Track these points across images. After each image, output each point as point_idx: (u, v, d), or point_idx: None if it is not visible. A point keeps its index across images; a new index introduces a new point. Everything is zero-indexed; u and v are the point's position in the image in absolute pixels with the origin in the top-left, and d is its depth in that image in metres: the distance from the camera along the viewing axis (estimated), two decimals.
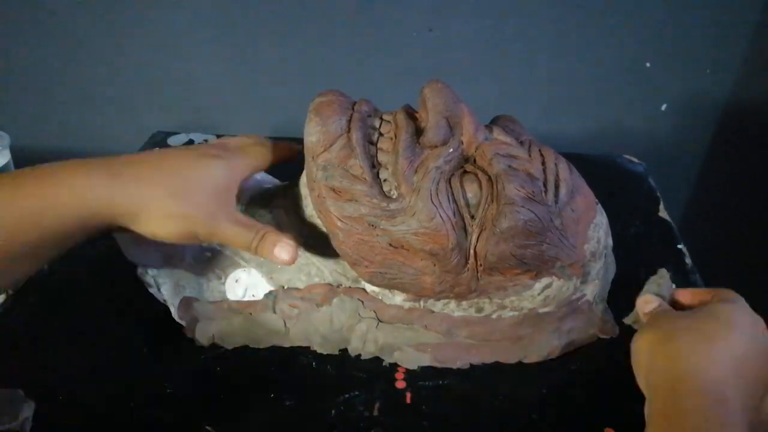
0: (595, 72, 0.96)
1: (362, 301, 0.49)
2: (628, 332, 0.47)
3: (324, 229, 0.47)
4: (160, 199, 0.40)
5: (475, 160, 0.46)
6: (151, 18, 0.93)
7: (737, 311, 0.42)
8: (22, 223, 0.37)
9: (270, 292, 0.50)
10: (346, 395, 0.47)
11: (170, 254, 0.50)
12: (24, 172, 0.39)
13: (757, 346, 0.40)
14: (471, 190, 0.44)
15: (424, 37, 0.93)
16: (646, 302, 0.47)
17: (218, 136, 0.80)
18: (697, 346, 0.39)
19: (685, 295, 0.47)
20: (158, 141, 0.79)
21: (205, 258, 0.50)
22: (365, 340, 0.49)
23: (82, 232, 0.40)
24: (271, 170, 0.50)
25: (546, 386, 0.49)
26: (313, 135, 0.44)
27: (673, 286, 0.50)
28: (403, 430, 0.45)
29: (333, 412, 0.46)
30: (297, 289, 0.49)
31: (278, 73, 0.98)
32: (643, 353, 0.42)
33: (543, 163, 0.46)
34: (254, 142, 0.48)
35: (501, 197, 0.43)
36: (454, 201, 0.44)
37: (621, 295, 0.53)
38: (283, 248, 0.44)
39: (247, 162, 0.46)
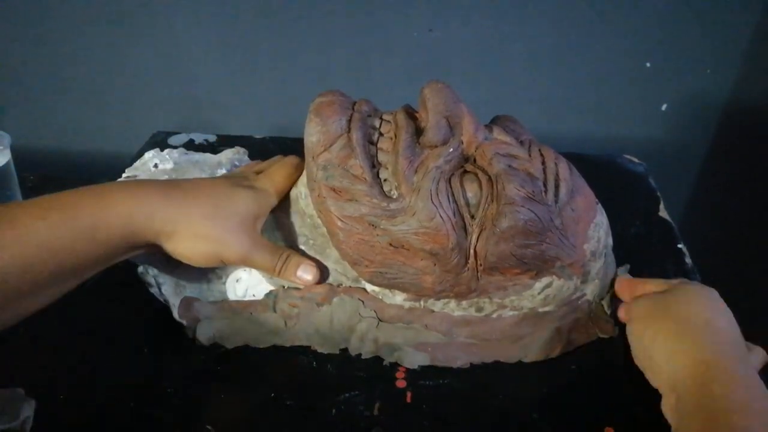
0: (595, 72, 0.96)
1: (362, 301, 0.49)
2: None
3: (324, 229, 0.47)
4: (194, 220, 0.44)
5: (475, 160, 0.46)
6: (151, 18, 0.93)
7: (700, 289, 0.46)
8: (78, 239, 0.40)
9: (270, 292, 0.50)
10: (347, 395, 0.47)
11: None
12: (81, 191, 0.41)
13: (730, 313, 0.44)
14: (471, 190, 0.44)
15: (424, 37, 0.93)
16: (625, 283, 0.51)
17: (218, 136, 0.80)
18: (707, 336, 0.42)
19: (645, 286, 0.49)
20: (158, 141, 0.79)
21: None
22: (365, 340, 0.49)
23: (127, 247, 0.43)
24: None
25: (546, 386, 0.49)
26: (313, 135, 0.44)
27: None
28: (404, 429, 0.45)
29: (333, 411, 0.46)
30: (297, 288, 0.49)
31: (278, 73, 0.98)
32: (653, 347, 0.43)
33: (543, 163, 0.46)
34: (282, 165, 0.50)
35: (501, 197, 0.43)
36: (454, 201, 0.44)
37: None
38: (306, 269, 0.48)
39: (274, 190, 0.49)
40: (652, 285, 0.48)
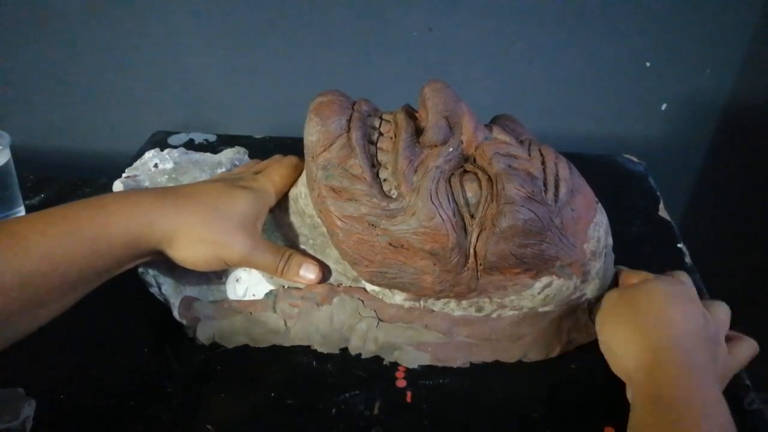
0: (595, 72, 0.96)
1: (362, 301, 0.49)
2: None
3: (324, 229, 0.47)
4: (194, 225, 0.44)
5: (475, 160, 0.46)
6: (152, 18, 0.93)
7: (663, 284, 0.46)
8: (80, 250, 0.40)
9: (270, 292, 0.50)
10: (347, 394, 0.47)
11: None
12: (80, 203, 0.42)
13: (695, 306, 0.45)
14: (471, 190, 0.44)
15: (424, 37, 0.93)
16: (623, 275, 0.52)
17: (218, 136, 0.80)
18: (659, 328, 0.43)
19: (629, 278, 0.51)
20: (158, 141, 0.79)
21: None
22: (365, 339, 0.49)
23: (129, 257, 0.43)
24: None
25: (546, 386, 0.49)
26: (313, 135, 0.44)
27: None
28: (404, 429, 0.45)
29: (333, 411, 0.46)
30: (297, 288, 0.49)
31: (278, 73, 0.98)
32: (612, 339, 0.45)
33: (543, 163, 0.46)
34: (280, 164, 0.50)
35: (501, 197, 0.43)
36: (454, 200, 0.44)
37: None
38: (308, 268, 0.48)
39: (273, 189, 0.49)
40: (634, 277, 0.50)
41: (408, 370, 0.49)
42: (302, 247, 0.50)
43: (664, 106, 1.00)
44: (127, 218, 0.42)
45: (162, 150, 0.54)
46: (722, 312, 0.47)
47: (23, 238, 0.38)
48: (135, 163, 0.54)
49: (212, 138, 0.80)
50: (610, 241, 0.51)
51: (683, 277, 0.50)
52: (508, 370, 0.50)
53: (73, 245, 0.39)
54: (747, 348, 0.46)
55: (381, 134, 0.46)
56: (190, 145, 0.78)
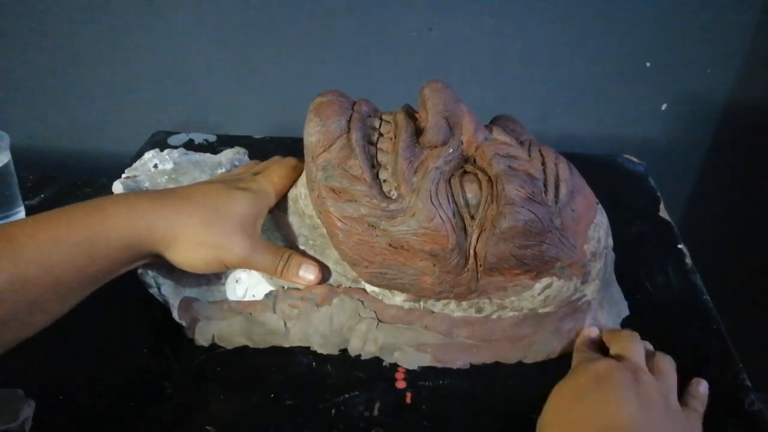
0: (595, 72, 0.96)
1: (362, 301, 0.49)
2: None
3: (324, 230, 0.47)
4: (193, 227, 0.44)
5: (475, 161, 0.46)
6: (152, 18, 0.93)
7: (587, 377, 0.43)
8: (76, 253, 0.39)
9: (270, 292, 0.50)
10: (346, 395, 0.47)
11: None
12: (76, 206, 0.42)
13: (622, 392, 0.41)
14: (471, 191, 0.44)
15: (424, 37, 0.93)
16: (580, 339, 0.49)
17: (218, 136, 0.80)
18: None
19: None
20: (158, 141, 0.79)
21: None
22: (365, 340, 0.49)
23: (127, 260, 0.43)
24: None
25: (546, 386, 0.49)
26: (312, 135, 0.44)
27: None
28: (404, 430, 0.45)
29: (333, 412, 0.46)
30: (297, 289, 0.49)
31: (278, 73, 0.98)
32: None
33: (543, 163, 0.46)
34: (279, 165, 0.50)
35: (501, 198, 0.43)
36: (454, 201, 0.44)
37: None
38: (308, 269, 0.48)
39: (272, 190, 0.48)
40: (578, 357, 0.47)
41: (408, 371, 0.49)
42: (302, 247, 0.50)
43: (664, 106, 1.00)
44: (124, 221, 0.42)
45: (162, 150, 0.54)
46: (668, 364, 0.45)
47: (16, 241, 0.38)
48: (135, 164, 0.54)
49: (212, 138, 0.80)
50: (611, 241, 0.51)
51: (625, 341, 0.46)
52: (508, 370, 0.50)
53: (68, 248, 0.39)
54: (669, 364, 0.44)
55: (381, 135, 0.46)
56: (189, 146, 0.78)
